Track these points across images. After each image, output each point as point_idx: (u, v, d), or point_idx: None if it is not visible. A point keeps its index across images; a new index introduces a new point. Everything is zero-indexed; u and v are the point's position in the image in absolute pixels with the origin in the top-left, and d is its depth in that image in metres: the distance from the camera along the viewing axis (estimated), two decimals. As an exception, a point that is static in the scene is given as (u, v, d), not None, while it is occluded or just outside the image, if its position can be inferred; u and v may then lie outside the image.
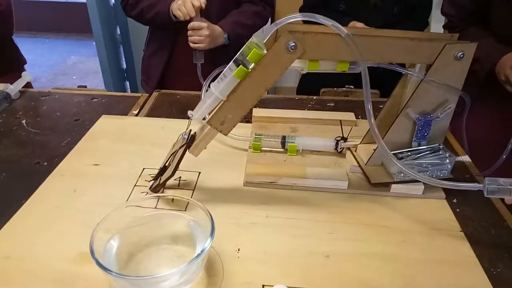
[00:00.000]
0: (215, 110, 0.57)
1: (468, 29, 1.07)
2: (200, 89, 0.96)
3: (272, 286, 0.47)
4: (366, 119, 0.56)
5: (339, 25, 0.51)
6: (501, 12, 0.99)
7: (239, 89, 0.55)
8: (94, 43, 2.28)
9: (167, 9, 1.15)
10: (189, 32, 1.13)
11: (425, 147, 0.63)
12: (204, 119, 0.59)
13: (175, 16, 1.15)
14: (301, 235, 0.56)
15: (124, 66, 2.53)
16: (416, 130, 0.62)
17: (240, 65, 0.53)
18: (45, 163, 0.71)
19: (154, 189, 0.63)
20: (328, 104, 0.96)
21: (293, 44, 0.52)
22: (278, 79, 0.56)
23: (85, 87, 1.06)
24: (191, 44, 1.14)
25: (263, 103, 0.93)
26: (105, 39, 2.20)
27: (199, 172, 0.69)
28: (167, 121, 0.86)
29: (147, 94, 1.00)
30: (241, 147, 0.76)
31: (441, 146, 0.64)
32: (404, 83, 0.65)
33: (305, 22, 0.54)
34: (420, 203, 0.63)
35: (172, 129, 0.81)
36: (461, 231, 0.58)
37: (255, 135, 0.74)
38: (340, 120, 0.77)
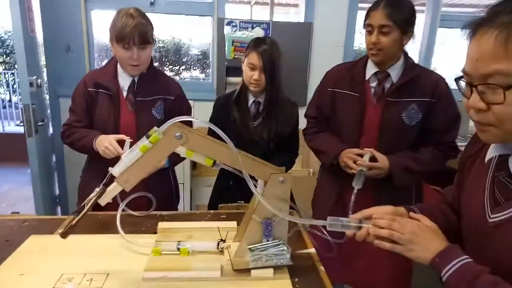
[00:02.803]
0: (121, 172, 0.84)
1: (320, 133, 1.55)
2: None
3: None
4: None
5: (231, 143, 0.84)
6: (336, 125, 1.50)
7: (140, 159, 0.83)
8: (29, 171, 2.42)
9: (90, 144, 1.40)
10: None
11: (270, 242, 0.92)
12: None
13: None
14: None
15: (57, 192, 2.66)
16: (263, 229, 0.91)
17: (144, 144, 0.82)
18: (-23, 277, 0.86)
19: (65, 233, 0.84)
20: (221, 216, 1.24)
21: (179, 134, 0.83)
22: (166, 157, 0.85)
23: (18, 213, 1.24)
24: None
25: (172, 218, 1.18)
26: (40, 168, 2.34)
27: (108, 274, 0.89)
28: (88, 237, 1.07)
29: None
30: (147, 253, 0.98)
31: (281, 242, 0.92)
32: (254, 199, 0.96)
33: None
34: (271, 283, 0.88)
35: (91, 244, 1.02)
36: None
37: (155, 241, 0.98)
38: (218, 227, 1.04)
